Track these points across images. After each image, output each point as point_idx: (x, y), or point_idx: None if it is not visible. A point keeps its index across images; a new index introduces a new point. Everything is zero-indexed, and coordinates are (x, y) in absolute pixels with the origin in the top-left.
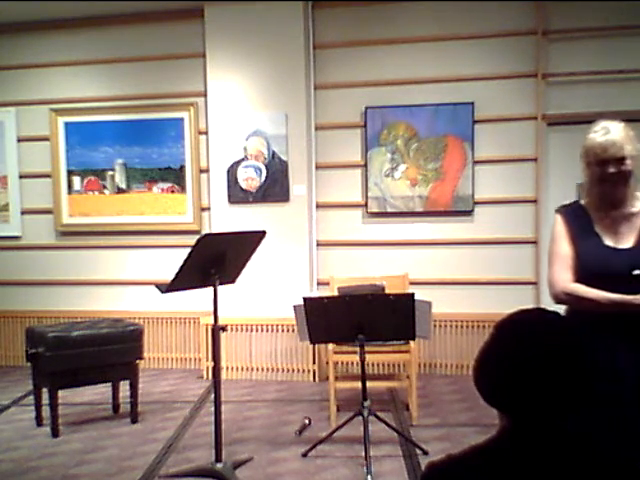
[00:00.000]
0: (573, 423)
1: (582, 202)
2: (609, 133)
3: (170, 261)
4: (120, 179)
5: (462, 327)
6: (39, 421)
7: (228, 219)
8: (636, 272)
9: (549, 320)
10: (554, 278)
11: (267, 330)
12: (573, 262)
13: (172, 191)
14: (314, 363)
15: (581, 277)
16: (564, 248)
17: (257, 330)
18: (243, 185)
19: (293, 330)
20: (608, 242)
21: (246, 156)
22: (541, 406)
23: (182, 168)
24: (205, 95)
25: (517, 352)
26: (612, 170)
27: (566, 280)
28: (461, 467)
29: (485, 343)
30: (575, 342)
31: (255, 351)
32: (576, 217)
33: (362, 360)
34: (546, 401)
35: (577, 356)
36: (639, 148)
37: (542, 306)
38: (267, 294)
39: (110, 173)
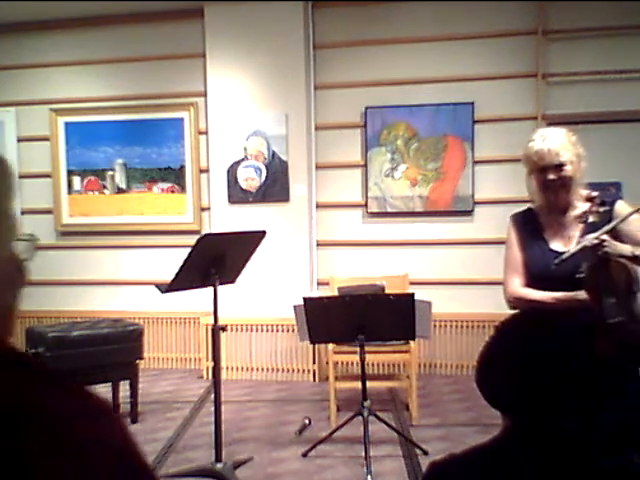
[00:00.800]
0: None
1: (533, 208)
2: (546, 140)
3: (170, 261)
4: (120, 179)
5: (462, 327)
6: None
7: (228, 219)
8: (557, 260)
9: (551, 321)
10: (506, 284)
11: (267, 330)
12: (523, 268)
13: (172, 191)
14: (314, 363)
15: (530, 282)
16: (515, 254)
17: (257, 330)
18: (243, 185)
19: (293, 330)
20: (554, 246)
21: (246, 156)
22: (543, 407)
23: (182, 168)
24: (205, 95)
25: (518, 353)
26: (551, 177)
27: (516, 285)
28: (463, 467)
29: (487, 344)
30: (577, 343)
31: (255, 351)
32: (526, 223)
33: (362, 360)
34: (547, 402)
35: (579, 357)
36: (581, 153)
37: None
38: (267, 294)
39: (110, 173)
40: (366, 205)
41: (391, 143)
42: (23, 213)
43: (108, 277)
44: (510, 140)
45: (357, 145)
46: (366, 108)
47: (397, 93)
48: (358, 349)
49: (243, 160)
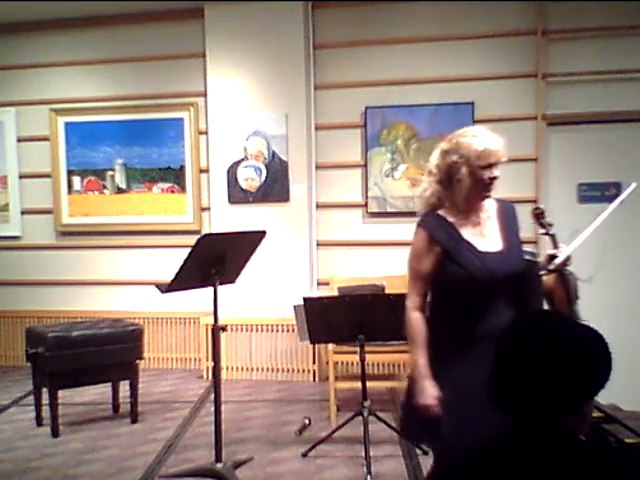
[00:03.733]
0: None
1: (438, 211)
2: (493, 138)
3: (170, 261)
4: (120, 179)
5: None
6: (39, 421)
7: (228, 219)
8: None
9: (560, 322)
10: (409, 296)
11: (267, 330)
12: (429, 281)
13: (172, 191)
14: (314, 363)
15: (462, 288)
16: (425, 266)
17: (257, 330)
18: (243, 185)
19: (293, 330)
20: (479, 247)
21: (246, 156)
22: (549, 407)
23: (182, 168)
24: (205, 95)
25: (526, 355)
26: (497, 173)
27: (413, 307)
28: (470, 465)
29: (499, 344)
30: (585, 344)
31: (255, 351)
32: (441, 228)
33: (362, 360)
34: (554, 402)
35: (586, 357)
36: None
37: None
38: (267, 294)
39: (110, 173)
40: (366, 205)
41: (391, 143)
42: (23, 213)
43: (108, 277)
44: (510, 140)
45: (357, 145)
46: (366, 108)
47: (397, 93)
48: (358, 349)
49: (243, 160)
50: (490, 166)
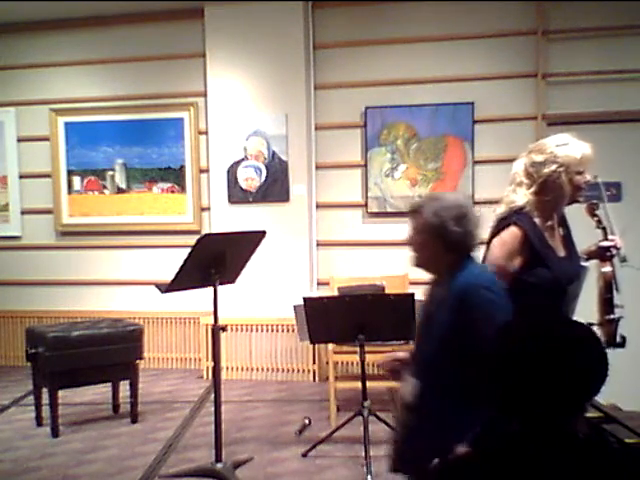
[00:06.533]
0: None
1: (525, 211)
2: (583, 143)
3: (170, 261)
4: (120, 179)
5: None
6: (39, 421)
7: (228, 219)
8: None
9: (560, 323)
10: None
11: (267, 330)
12: (511, 281)
13: (172, 191)
14: (314, 363)
15: (546, 290)
16: (513, 265)
17: (257, 330)
18: (243, 185)
19: (293, 330)
20: (559, 253)
21: (246, 156)
22: (550, 409)
23: (182, 168)
24: (205, 95)
25: (528, 356)
26: (589, 177)
27: None
28: (469, 467)
29: (496, 347)
30: (581, 343)
31: (255, 351)
32: (533, 230)
33: (362, 360)
34: (555, 403)
35: (584, 357)
36: None
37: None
38: (267, 294)
39: (110, 173)
40: (366, 205)
41: (391, 143)
42: (23, 213)
43: (108, 277)
44: (510, 140)
45: (357, 145)
46: (366, 108)
47: (397, 93)
48: (358, 349)
49: (243, 160)
50: (584, 172)
